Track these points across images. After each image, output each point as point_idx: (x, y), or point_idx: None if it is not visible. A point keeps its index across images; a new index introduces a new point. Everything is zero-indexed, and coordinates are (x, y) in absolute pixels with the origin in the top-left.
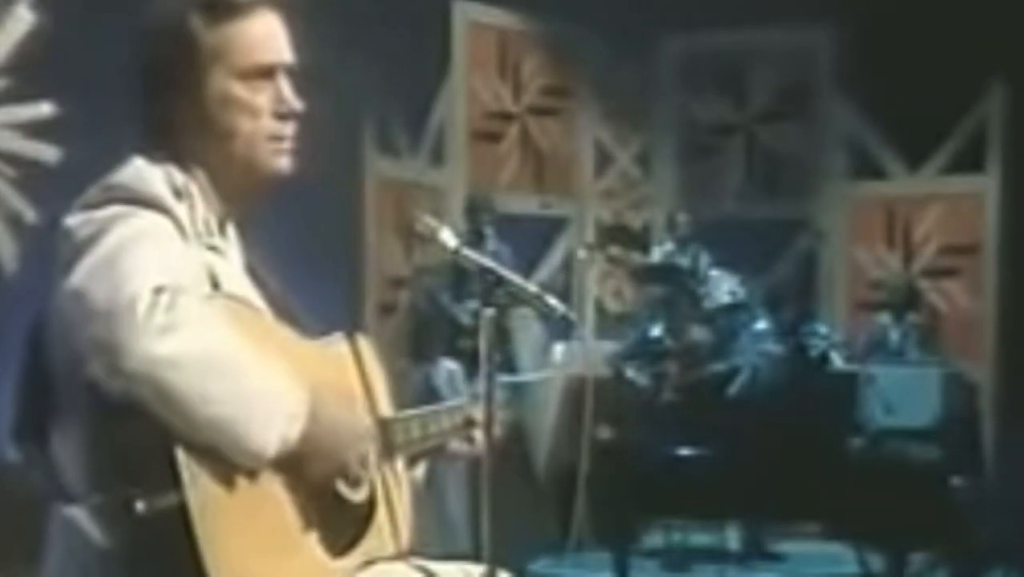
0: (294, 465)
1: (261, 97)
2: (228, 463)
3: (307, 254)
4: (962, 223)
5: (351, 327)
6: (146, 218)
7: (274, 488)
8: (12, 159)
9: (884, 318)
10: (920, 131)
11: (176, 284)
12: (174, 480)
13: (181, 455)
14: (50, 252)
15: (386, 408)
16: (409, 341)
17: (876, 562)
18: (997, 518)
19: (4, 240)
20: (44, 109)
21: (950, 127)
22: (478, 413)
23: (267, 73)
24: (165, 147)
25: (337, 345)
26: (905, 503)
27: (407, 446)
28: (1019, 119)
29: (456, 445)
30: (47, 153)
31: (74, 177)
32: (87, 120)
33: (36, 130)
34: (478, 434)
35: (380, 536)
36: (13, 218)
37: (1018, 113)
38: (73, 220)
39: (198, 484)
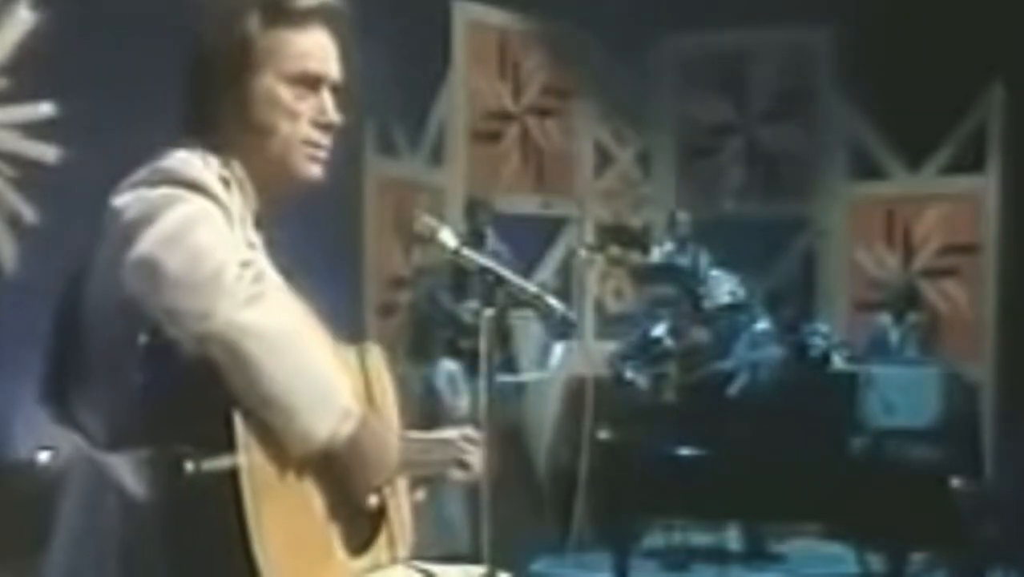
0: (334, 468)
1: (303, 104)
2: (278, 442)
3: (307, 254)
4: (962, 223)
5: (351, 327)
6: (198, 203)
7: (311, 481)
8: (12, 159)
9: (884, 318)
10: (920, 131)
11: (256, 259)
12: (227, 444)
13: (239, 420)
14: (50, 252)
15: (393, 420)
16: (409, 341)
17: (876, 562)
18: (997, 518)
19: (4, 240)
20: (44, 109)
21: (950, 127)
22: (471, 446)
23: (313, 83)
24: (204, 140)
25: (345, 353)
26: (905, 503)
27: (404, 466)
28: (1019, 119)
29: (455, 473)
30: (47, 153)
31: (74, 177)
32: (87, 120)
33: (36, 130)
34: (473, 459)
35: (387, 543)
36: (13, 218)
37: (1018, 113)
38: (123, 199)
39: (251, 452)
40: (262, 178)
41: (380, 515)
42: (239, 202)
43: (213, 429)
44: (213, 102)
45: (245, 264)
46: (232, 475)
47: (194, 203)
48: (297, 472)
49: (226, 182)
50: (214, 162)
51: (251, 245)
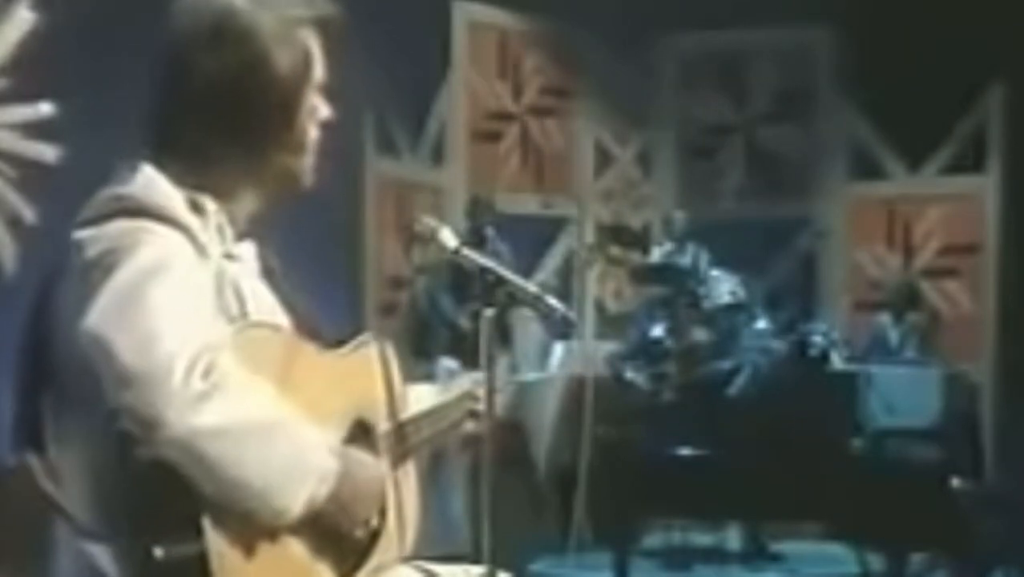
0: (314, 518)
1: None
2: (249, 519)
3: (307, 254)
4: (962, 223)
5: (351, 327)
6: (159, 239)
7: (289, 530)
8: (12, 159)
9: (884, 318)
10: (920, 131)
11: (209, 340)
12: (195, 528)
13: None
14: (50, 252)
15: (404, 412)
16: (409, 341)
17: (876, 562)
18: (997, 518)
19: (4, 240)
20: (44, 109)
21: (950, 127)
22: (479, 396)
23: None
24: (185, 151)
25: (366, 348)
26: (905, 503)
27: (420, 446)
28: (1019, 119)
29: (467, 426)
30: (47, 153)
31: (74, 177)
32: (87, 120)
33: (36, 130)
34: (480, 406)
35: (388, 545)
36: (13, 218)
37: (1018, 113)
38: (81, 234)
39: (219, 534)
40: (270, 186)
41: (377, 526)
42: (215, 218)
43: (178, 513)
44: (242, 114)
45: (194, 352)
46: (202, 557)
47: (151, 247)
48: (271, 533)
49: (192, 203)
50: (181, 177)
51: (229, 256)
